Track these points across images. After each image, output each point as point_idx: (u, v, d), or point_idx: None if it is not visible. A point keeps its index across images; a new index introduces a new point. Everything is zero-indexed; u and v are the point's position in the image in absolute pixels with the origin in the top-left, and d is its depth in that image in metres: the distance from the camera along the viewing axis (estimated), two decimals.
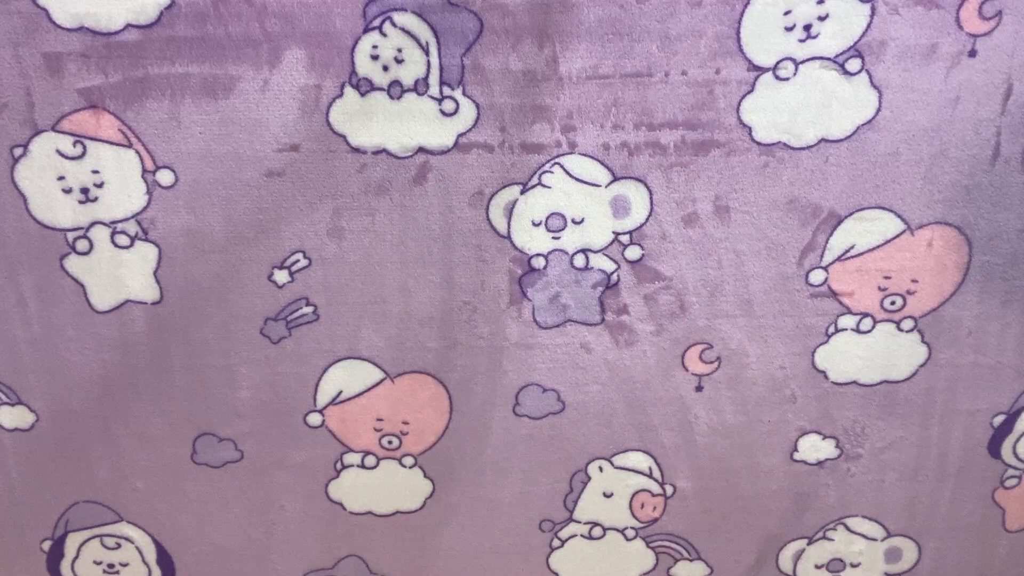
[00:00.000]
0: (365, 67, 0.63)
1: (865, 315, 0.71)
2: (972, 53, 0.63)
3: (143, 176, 0.66)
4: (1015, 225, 0.69)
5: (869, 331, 0.72)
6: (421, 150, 0.66)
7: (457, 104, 0.64)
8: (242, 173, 0.66)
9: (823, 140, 0.66)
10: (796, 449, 0.77)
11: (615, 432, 0.76)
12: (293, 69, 0.63)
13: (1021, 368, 0.74)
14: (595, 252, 0.69)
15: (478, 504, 0.79)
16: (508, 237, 0.69)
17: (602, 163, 0.66)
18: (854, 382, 0.74)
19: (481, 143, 0.66)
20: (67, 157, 0.65)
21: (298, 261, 0.69)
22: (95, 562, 0.82)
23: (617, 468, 0.78)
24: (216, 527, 0.80)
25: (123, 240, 0.68)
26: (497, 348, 0.73)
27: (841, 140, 0.66)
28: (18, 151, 0.65)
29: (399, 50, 0.63)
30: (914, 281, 0.70)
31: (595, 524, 0.80)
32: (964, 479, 0.78)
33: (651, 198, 0.68)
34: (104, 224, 0.67)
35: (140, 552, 0.81)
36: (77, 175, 0.66)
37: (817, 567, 0.83)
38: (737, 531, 0.81)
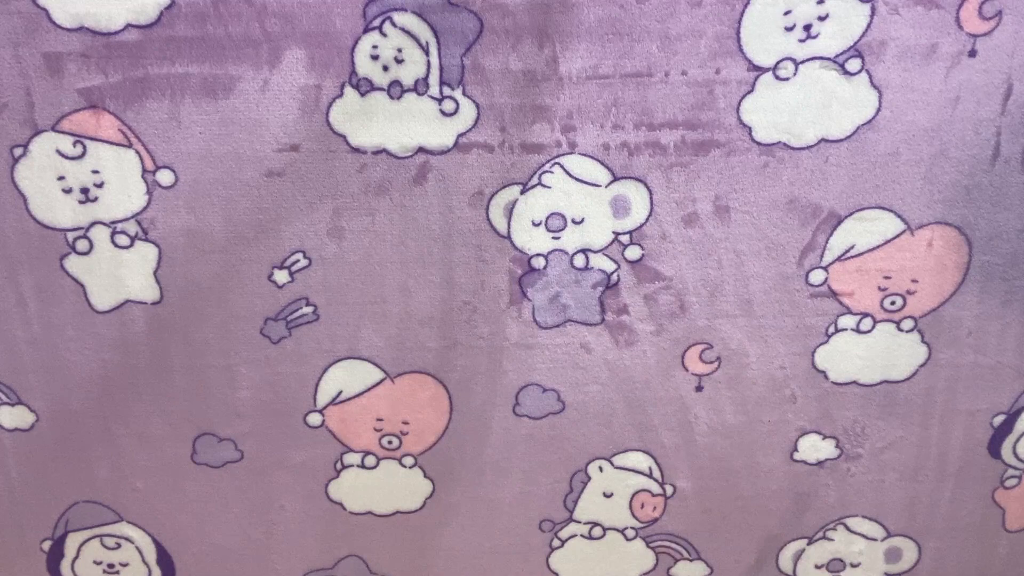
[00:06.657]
0: (365, 67, 0.63)
1: (865, 315, 0.71)
2: (972, 53, 0.63)
3: (143, 176, 0.66)
4: (1015, 225, 0.69)
5: (869, 331, 0.72)
6: (421, 150, 0.66)
7: (457, 104, 0.64)
8: (242, 173, 0.66)
9: (823, 140, 0.66)
10: (796, 449, 0.77)
11: (615, 432, 0.76)
12: (293, 69, 0.63)
13: (1021, 368, 0.74)
14: (595, 252, 0.69)
15: (478, 504, 0.79)
16: (508, 237, 0.69)
17: (602, 163, 0.66)
18: (854, 382, 0.74)
19: (481, 143, 0.66)
20: (67, 157, 0.65)
21: (298, 261, 0.69)
22: (95, 562, 0.82)
23: (617, 468, 0.78)
24: (216, 527, 0.80)
25: (123, 240, 0.68)
26: (497, 348, 0.73)
27: (841, 140, 0.66)
28: (18, 151, 0.65)
29: (399, 50, 0.63)
30: (914, 281, 0.70)
31: (595, 524, 0.80)
32: (964, 479, 0.78)
33: (651, 198, 0.68)
34: (104, 224, 0.67)
35: (140, 552, 0.81)
36: (77, 175, 0.66)
37: (817, 567, 0.83)
38: (737, 531, 0.81)
